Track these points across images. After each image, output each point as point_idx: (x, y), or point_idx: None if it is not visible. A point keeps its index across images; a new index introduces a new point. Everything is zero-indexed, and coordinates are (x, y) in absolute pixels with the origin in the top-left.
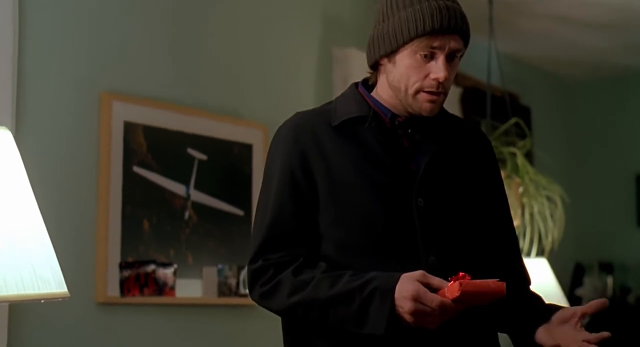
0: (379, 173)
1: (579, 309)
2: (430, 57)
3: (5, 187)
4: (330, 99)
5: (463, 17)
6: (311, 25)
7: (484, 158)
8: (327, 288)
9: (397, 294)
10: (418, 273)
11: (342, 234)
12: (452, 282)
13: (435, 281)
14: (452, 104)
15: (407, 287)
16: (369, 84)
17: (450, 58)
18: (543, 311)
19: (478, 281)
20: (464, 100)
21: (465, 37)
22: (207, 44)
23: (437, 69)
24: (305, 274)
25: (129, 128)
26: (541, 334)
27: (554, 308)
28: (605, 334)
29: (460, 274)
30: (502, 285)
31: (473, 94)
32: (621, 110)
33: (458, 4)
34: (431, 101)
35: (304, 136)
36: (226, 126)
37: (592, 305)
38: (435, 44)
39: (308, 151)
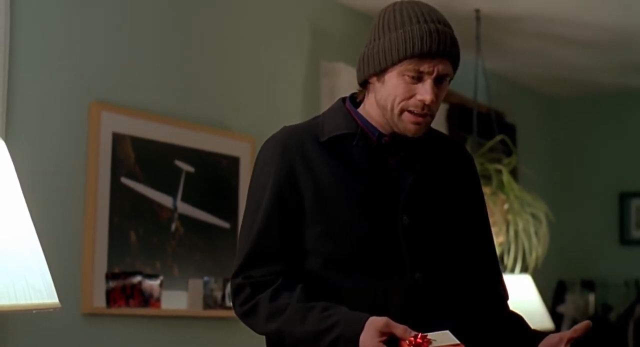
0: (365, 191)
1: (565, 335)
2: (418, 79)
3: None
4: (318, 112)
5: (454, 41)
6: (300, 39)
7: (467, 176)
8: (297, 323)
9: (360, 344)
10: (382, 322)
11: (327, 250)
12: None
13: (399, 330)
14: (439, 121)
15: (367, 343)
16: (356, 100)
17: (439, 81)
18: (529, 340)
19: None
20: (450, 116)
21: (454, 61)
22: (196, 57)
23: (424, 91)
24: (282, 298)
25: (118, 139)
26: None
27: (540, 335)
28: None
29: (419, 337)
30: None
31: (459, 111)
32: (606, 128)
33: (450, 28)
34: (416, 123)
35: (292, 151)
36: (214, 138)
37: (577, 329)
38: (423, 67)
39: (296, 167)
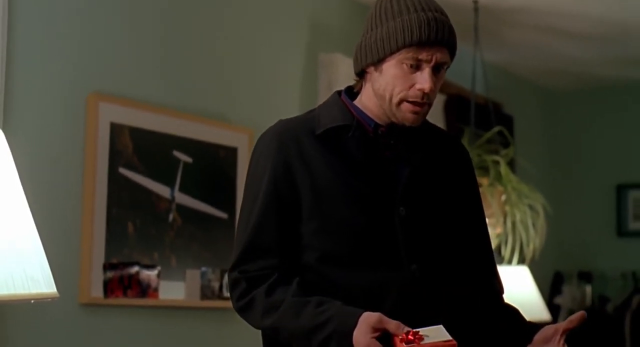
0: (362, 183)
1: (560, 326)
2: (416, 67)
3: None
4: (316, 103)
5: (451, 29)
6: (298, 30)
7: (463, 170)
8: (291, 318)
9: (354, 340)
10: (375, 318)
11: (324, 243)
12: (402, 343)
13: (392, 326)
14: (436, 111)
15: (360, 339)
16: (352, 92)
17: (437, 70)
18: (525, 332)
19: (426, 346)
20: (448, 107)
21: (452, 49)
22: (195, 48)
23: (423, 79)
24: (277, 294)
25: (116, 129)
26: None
27: (535, 327)
28: None
29: (411, 333)
30: (452, 346)
31: (457, 102)
32: (603, 121)
33: (447, 17)
34: (414, 112)
35: (288, 145)
36: (212, 129)
37: (572, 320)
38: (422, 55)
39: (292, 161)
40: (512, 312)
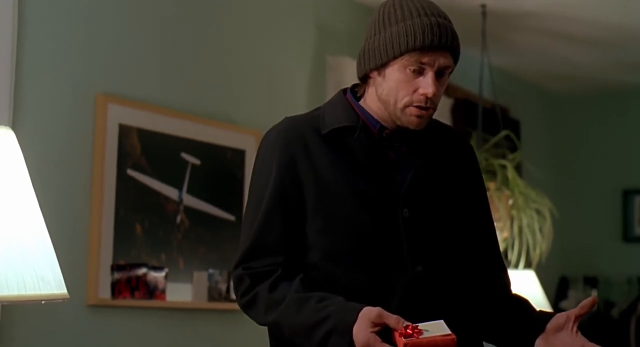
0: (366, 184)
1: (572, 312)
2: (419, 72)
3: (7, 187)
4: None
5: (454, 34)
6: (305, 33)
7: (468, 167)
8: (293, 314)
9: (353, 336)
10: (375, 313)
11: (328, 242)
12: (401, 337)
13: (391, 320)
14: (443, 115)
15: (360, 334)
16: (357, 93)
17: (440, 74)
18: (537, 321)
19: (425, 340)
20: (455, 111)
21: (455, 54)
22: (203, 50)
23: (426, 84)
24: (280, 289)
25: (124, 131)
26: (540, 345)
27: (547, 316)
28: None
29: (410, 327)
30: (451, 340)
31: (464, 106)
32: (609, 125)
33: (449, 21)
34: (419, 116)
35: (294, 144)
36: (220, 131)
37: (584, 306)
38: (425, 59)
39: (297, 159)
40: (522, 303)
